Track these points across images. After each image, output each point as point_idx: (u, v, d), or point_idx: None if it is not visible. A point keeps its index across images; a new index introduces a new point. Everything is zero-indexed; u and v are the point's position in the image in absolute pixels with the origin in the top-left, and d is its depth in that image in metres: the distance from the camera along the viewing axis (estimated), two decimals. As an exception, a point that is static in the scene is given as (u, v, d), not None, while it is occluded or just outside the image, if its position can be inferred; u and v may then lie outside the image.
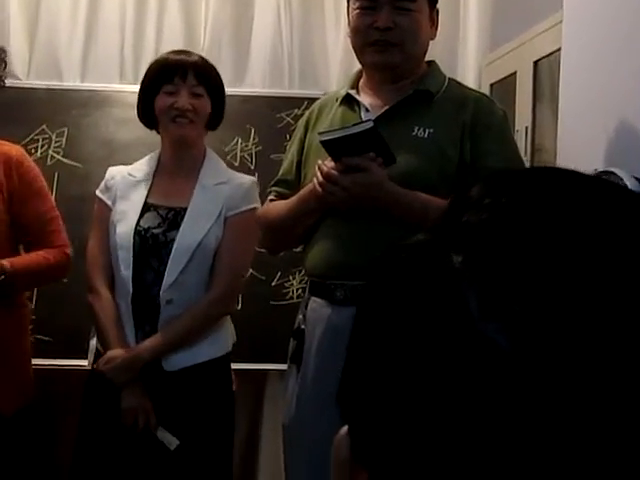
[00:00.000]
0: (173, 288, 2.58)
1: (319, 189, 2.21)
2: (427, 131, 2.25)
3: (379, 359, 0.51)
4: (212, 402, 2.66)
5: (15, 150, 2.76)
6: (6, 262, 2.56)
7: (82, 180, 3.54)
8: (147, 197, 2.69)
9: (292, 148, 2.53)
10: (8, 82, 3.75)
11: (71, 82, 3.95)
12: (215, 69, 2.77)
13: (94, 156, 3.69)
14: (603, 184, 0.53)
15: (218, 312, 2.68)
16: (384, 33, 2.25)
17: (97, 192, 2.78)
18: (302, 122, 2.53)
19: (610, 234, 0.48)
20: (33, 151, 3.76)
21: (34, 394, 2.75)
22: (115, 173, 2.77)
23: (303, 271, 3.66)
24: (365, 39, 2.29)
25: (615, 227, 0.48)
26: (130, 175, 2.74)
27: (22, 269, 2.60)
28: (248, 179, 2.77)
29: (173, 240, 2.60)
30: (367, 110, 2.33)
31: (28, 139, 3.79)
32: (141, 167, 2.77)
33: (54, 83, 3.91)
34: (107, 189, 2.74)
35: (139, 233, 2.62)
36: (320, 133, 2.25)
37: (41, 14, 3.96)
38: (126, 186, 2.71)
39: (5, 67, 2.73)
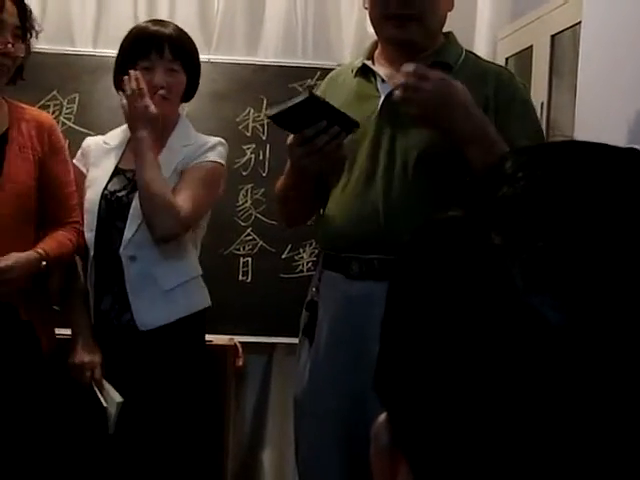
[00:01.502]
0: (133, 244, 2.62)
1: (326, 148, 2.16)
2: None
3: (417, 341, 0.48)
4: (184, 362, 2.68)
5: (45, 117, 2.78)
6: (42, 251, 2.58)
7: (93, 147, 3.51)
8: (119, 163, 2.74)
9: None
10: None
11: (83, 48, 3.92)
12: (190, 40, 2.76)
13: (105, 123, 3.65)
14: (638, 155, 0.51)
15: (174, 222, 2.61)
16: (403, 5, 2.21)
17: (74, 160, 2.82)
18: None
19: None
20: (44, 117, 3.74)
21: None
22: (91, 142, 2.84)
23: (313, 244, 3.65)
24: (382, 12, 2.25)
25: None
26: (105, 143, 2.80)
27: (55, 257, 2.61)
28: (214, 139, 2.77)
29: None
30: (383, 81, 2.30)
31: (39, 105, 3.75)
32: (116, 135, 2.82)
33: (66, 48, 3.88)
34: (82, 156, 2.80)
35: (105, 197, 2.67)
36: (268, 110, 2.24)
37: (53, -21, 3.93)
38: (99, 153, 2.77)
39: (36, 35, 2.71)
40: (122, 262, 2.62)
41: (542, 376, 0.42)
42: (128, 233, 2.62)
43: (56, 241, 2.65)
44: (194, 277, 2.74)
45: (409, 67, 2.07)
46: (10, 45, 2.54)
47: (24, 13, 2.61)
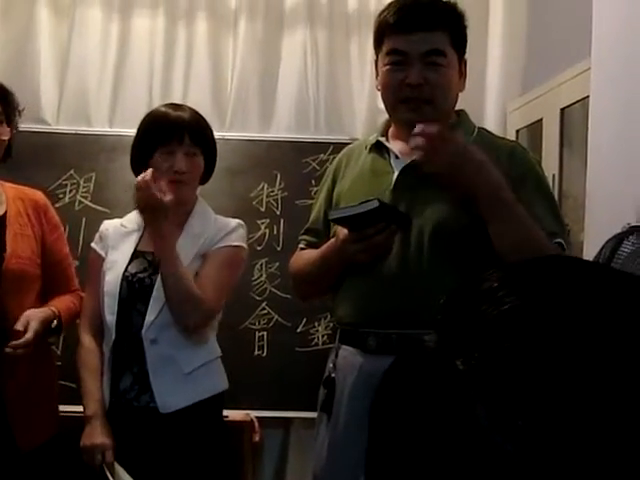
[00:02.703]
0: (155, 327, 2.62)
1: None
2: None
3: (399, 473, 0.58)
4: (204, 445, 2.67)
5: (39, 196, 2.86)
6: (55, 309, 2.69)
7: (109, 225, 3.58)
8: (137, 245, 2.75)
9: (320, 197, 2.53)
10: (38, 127, 3.84)
11: (99, 128, 3.99)
12: (207, 124, 2.80)
13: (122, 201, 3.71)
14: (610, 279, 0.58)
15: (197, 312, 2.63)
16: (415, 90, 2.25)
17: (92, 244, 2.84)
18: (330, 171, 2.54)
19: (608, 353, 0.54)
20: (61, 196, 3.80)
21: (55, 431, 2.77)
22: (109, 225, 2.84)
23: (328, 317, 3.66)
24: (396, 96, 2.29)
25: (615, 343, 0.54)
26: (122, 226, 2.81)
27: (65, 316, 2.73)
28: (233, 222, 2.79)
29: None
30: (397, 157, 2.33)
31: (56, 184, 3.83)
32: (134, 218, 2.83)
33: (82, 128, 3.95)
34: (100, 240, 2.82)
35: (126, 279, 2.68)
36: (331, 211, 2.29)
37: (71, 61, 4.02)
38: (118, 236, 2.78)
39: (19, 114, 2.79)
40: (143, 344, 2.62)
41: None
42: (150, 316, 2.62)
43: (64, 303, 2.76)
44: (214, 359, 2.75)
45: (432, 128, 2.11)
46: None
47: (4, 98, 2.70)
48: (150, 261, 2.70)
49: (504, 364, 0.55)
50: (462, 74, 2.35)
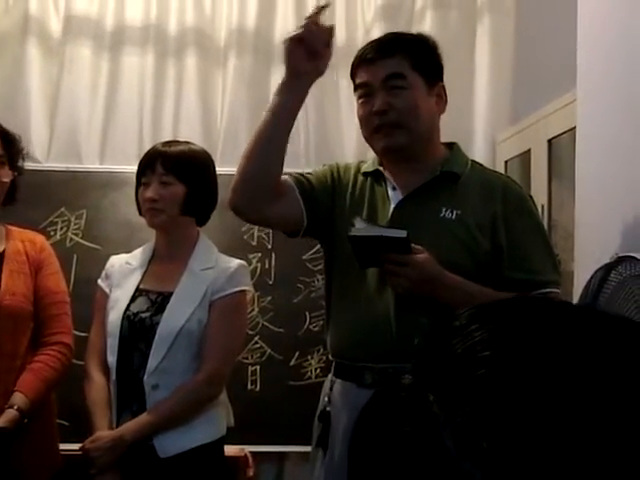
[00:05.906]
0: (157, 373, 2.61)
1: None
2: (455, 212, 2.26)
3: None
4: None
5: (39, 237, 2.89)
6: (24, 399, 2.62)
7: (101, 262, 3.46)
8: (140, 283, 2.76)
9: (321, 171, 2.51)
10: (28, 165, 3.84)
11: (90, 165, 4.00)
12: (193, 155, 2.80)
13: (113, 238, 3.73)
14: (576, 317, 0.61)
15: (206, 395, 2.68)
16: (382, 117, 2.28)
17: (98, 280, 2.85)
18: (331, 168, 2.52)
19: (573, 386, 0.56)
20: (52, 233, 3.80)
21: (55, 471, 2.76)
22: (115, 262, 2.86)
23: (321, 350, 3.66)
24: (369, 127, 2.33)
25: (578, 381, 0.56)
26: (127, 263, 2.82)
27: (35, 396, 2.66)
28: (235, 263, 2.78)
29: (158, 324, 2.64)
30: (394, 188, 2.35)
31: (47, 222, 3.84)
32: (138, 255, 2.85)
33: (73, 165, 3.96)
34: (107, 277, 2.83)
35: (128, 317, 2.68)
36: (353, 227, 2.25)
37: (61, 99, 4.04)
38: (122, 274, 2.79)
39: (24, 158, 2.82)
40: (144, 389, 2.60)
41: None
42: (153, 361, 2.61)
43: (35, 377, 2.68)
44: (215, 404, 2.73)
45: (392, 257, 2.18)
46: None
47: (8, 141, 2.74)
48: (153, 300, 2.70)
49: (468, 391, 0.57)
50: (441, 97, 2.37)
